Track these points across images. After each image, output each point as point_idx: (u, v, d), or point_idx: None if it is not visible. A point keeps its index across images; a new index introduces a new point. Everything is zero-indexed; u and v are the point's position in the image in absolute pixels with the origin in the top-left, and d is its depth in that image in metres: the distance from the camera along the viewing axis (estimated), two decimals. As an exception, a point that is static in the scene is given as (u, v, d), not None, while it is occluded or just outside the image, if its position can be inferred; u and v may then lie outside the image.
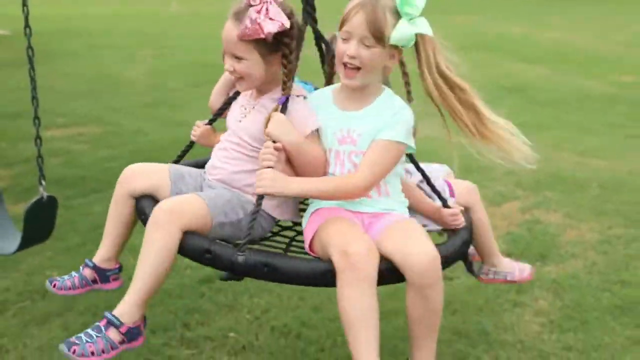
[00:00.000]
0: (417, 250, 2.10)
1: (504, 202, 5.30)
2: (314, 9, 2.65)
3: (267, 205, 2.44)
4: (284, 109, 2.36)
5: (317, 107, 2.43)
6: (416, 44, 2.30)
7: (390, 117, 2.33)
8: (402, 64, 2.40)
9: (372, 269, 2.07)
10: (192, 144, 2.81)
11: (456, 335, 3.33)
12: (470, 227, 2.60)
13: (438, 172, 2.90)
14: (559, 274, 4.03)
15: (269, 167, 2.22)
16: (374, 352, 2.06)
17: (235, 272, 2.17)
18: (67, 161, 5.97)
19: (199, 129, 2.79)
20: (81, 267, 2.63)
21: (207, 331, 3.31)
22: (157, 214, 2.22)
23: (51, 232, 3.38)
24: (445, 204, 2.57)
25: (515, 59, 13.45)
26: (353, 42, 2.26)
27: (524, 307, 3.64)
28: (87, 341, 2.14)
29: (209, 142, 2.78)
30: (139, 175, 2.53)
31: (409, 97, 2.43)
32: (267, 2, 2.30)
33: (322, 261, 2.17)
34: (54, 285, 2.59)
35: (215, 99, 2.80)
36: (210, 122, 2.80)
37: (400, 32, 2.24)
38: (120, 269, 2.69)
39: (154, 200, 2.45)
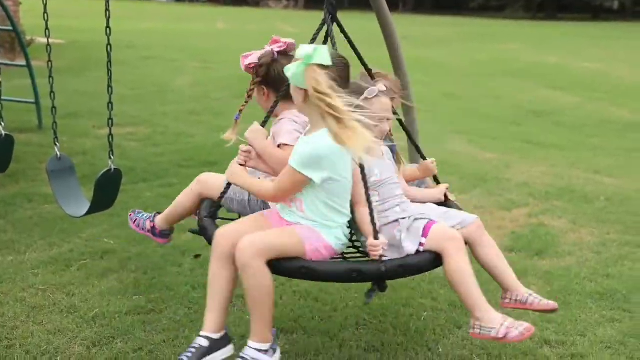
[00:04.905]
0: None
1: (514, 208, 5.76)
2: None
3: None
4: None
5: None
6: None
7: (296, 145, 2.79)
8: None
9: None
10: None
11: (452, 307, 3.83)
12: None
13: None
14: (553, 267, 4.49)
15: (239, 163, 2.94)
16: None
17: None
18: (120, 154, 6.59)
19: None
20: (149, 219, 3.58)
21: (239, 291, 3.84)
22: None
23: (114, 200, 3.98)
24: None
25: (547, 87, 13.86)
26: None
27: (516, 290, 4.11)
28: None
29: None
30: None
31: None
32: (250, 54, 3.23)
33: None
34: (134, 222, 3.62)
35: None
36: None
37: None
38: (172, 230, 3.61)
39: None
